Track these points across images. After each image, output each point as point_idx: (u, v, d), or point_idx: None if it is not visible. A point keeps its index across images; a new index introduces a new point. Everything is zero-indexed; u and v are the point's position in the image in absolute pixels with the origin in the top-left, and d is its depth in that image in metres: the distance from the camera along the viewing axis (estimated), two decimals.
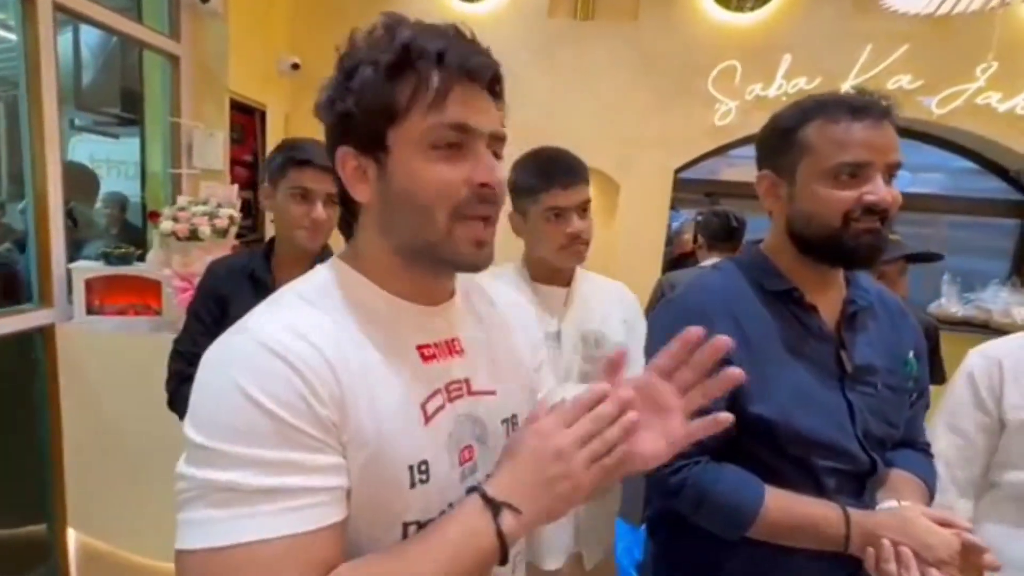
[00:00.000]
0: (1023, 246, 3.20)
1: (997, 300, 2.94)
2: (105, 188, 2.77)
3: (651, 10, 2.98)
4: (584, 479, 0.49)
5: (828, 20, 2.88)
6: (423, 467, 0.53)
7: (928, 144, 3.14)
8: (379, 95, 0.51)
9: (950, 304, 3.04)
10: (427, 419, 0.55)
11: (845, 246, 0.78)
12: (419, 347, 0.57)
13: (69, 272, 1.92)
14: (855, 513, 0.76)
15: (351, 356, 0.51)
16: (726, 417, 0.54)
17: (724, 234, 2.22)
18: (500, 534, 0.48)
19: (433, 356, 0.57)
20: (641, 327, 1.20)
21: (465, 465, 0.58)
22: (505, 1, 3.04)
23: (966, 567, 0.70)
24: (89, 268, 1.95)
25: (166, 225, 1.86)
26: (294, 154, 1.21)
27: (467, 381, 0.60)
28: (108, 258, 1.96)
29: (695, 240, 2.59)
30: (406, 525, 0.53)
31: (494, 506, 0.48)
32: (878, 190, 0.76)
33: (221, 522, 0.43)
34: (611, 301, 1.24)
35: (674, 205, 3.20)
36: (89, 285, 1.94)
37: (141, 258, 2.07)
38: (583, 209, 1.12)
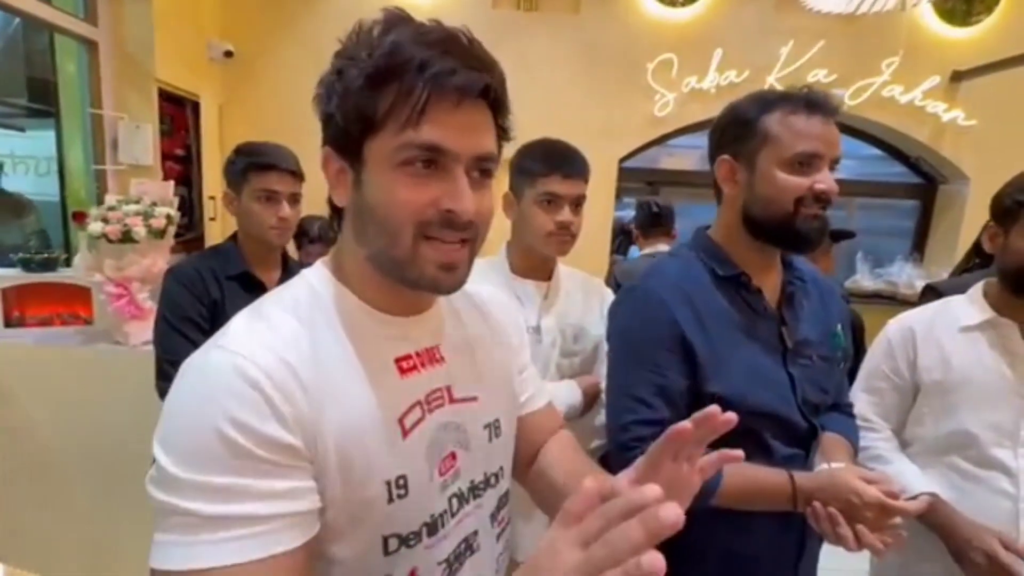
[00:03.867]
0: (922, 225, 3.58)
1: (902, 274, 3.28)
2: (10, 187, 2.51)
3: (592, 3, 3.05)
4: None
5: (753, 17, 3.07)
6: (400, 482, 0.53)
7: (841, 133, 3.41)
8: (358, 102, 0.49)
9: (863, 279, 3.36)
10: (405, 433, 0.54)
11: (795, 229, 0.85)
12: (398, 359, 0.56)
13: None
14: (799, 477, 0.84)
15: (325, 374, 0.50)
16: (737, 454, 0.54)
17: (651, 221, 2.35)
18: None
19: (413, 368, 0.57)
20: None
21: (447, 474, 0.58)
22: None
23: (885, 517, 0.78)
24: (6, 276, 1.79)
25: (95, 227, 1.73)
26: (257, 159, 1.28)
27: (448, 389, 0.60)
28: (28, 264, 1.81)
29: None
30: (385, 539, 0.53)
31: None
32: (826, 179, 0.84)
33: (179, 546, 0.43)
34: (590, 296, 1.26)
35: (619, 194, 3.31)
36: (6, 295, 1.78)
37: (67, 263, 1.91)
38: (577, 204, 1.15)
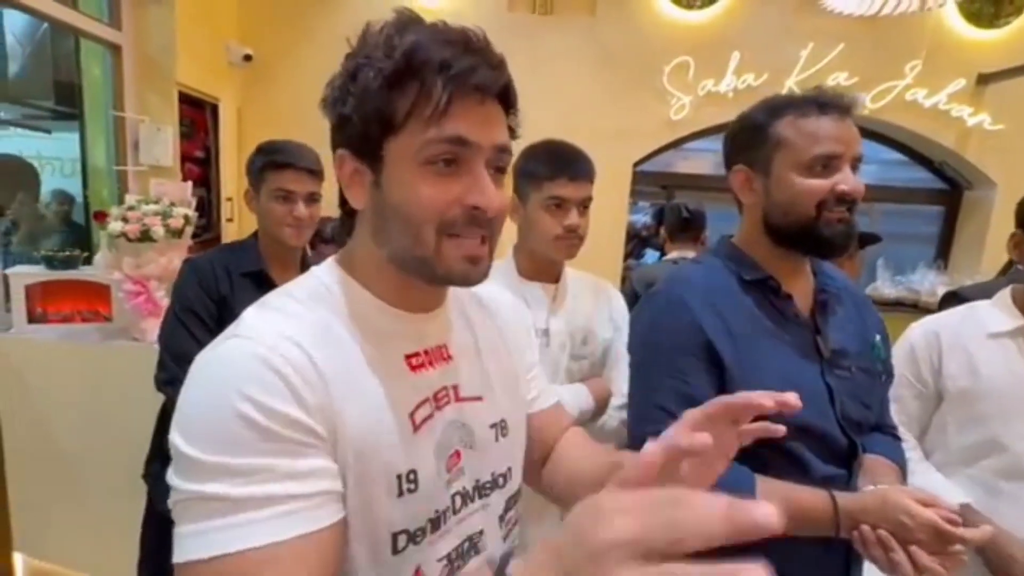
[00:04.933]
0: (946, 231, 3.50)
1: (924, 282, 3.21)
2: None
3: (608, 6, 3.03)
4: None
5: (772, 19, 3.02)
6: (411, 476, 0.53)
7: (863, 138, 3.35)
8: (378, 103, 0.50)
9: (884, 286, 3.29)
10: (415, 428, 0.55)
11: (820, 234, 0.82)
12: (408, 356, 0.57)
13: (6, 278, 1.79)
14: (842, 498, 0.77)
15: (340, 365, 0.50)
16: (778, 428, 0.48)
17: (681, 226, 2.31)
18: None
19: (421, 365, 0.58)
20: (627, 325, 1.23)
21: (453, 471, 0.58)
22: None
23: (940, 543, 0.71)
24: (29, 273, 1.82)
25: (115, 226, 1.75)
26: (274, 157, 1.28)
27: (455, 387, 0.60)
28: (51, 262, 1.84)
29: (657, 233, 2.69)
30: (395, 535, 0.53)
31: None
32: (848, 180, 0.81)
33: (209, 533, 0.43)
34: (599, 299, 1.25)
35: (633, 198, 3.28)
36: (30, 292, 1.81)
37: (87, 261, 1.94)
38: (584, 206, 1.13)
